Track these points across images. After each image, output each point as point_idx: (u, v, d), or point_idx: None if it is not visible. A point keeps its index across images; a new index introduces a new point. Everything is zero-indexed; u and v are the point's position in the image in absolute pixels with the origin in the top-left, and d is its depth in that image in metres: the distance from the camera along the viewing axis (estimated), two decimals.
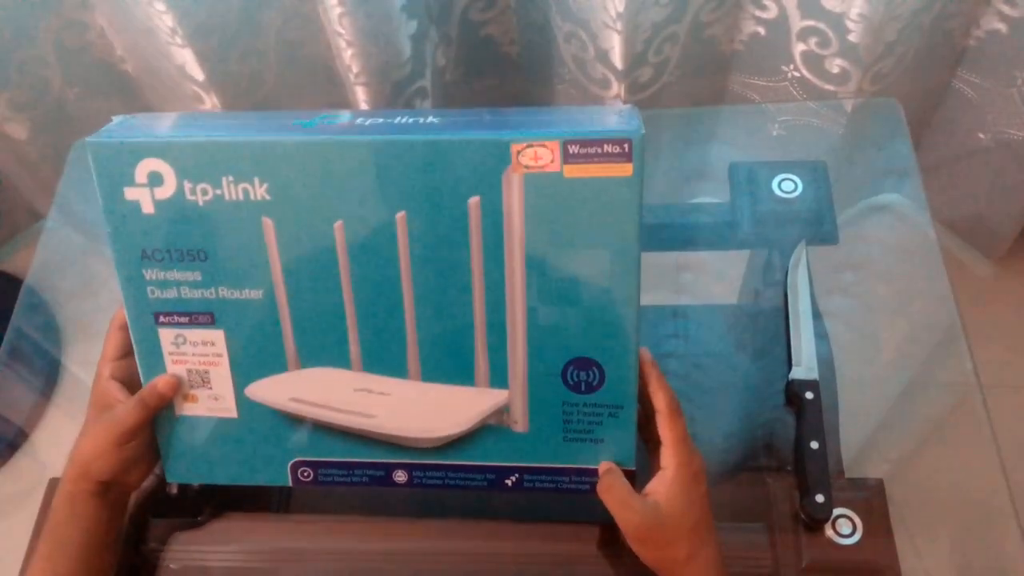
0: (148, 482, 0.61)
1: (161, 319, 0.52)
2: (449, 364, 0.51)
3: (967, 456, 0.61)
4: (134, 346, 0.53)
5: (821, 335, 0.65)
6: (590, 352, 0.50)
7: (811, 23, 0.92)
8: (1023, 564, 0.55)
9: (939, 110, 1.10)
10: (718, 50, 1.03)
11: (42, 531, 0.52)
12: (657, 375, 0.51)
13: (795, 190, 0.73)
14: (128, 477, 0.54)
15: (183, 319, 0.52)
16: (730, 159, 0.76)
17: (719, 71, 1.06)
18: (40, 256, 0.79)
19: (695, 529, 0.49)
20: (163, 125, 0.51)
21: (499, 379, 0.51)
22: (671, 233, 0.74)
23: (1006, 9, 0.95)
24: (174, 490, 0.59)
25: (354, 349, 0.51)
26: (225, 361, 0.53)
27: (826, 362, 0.64)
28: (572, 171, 0.46)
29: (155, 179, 0.48)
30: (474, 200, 0.47)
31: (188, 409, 0.54)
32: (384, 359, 0.52)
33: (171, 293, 0.51)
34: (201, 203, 0.48)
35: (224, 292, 0.51)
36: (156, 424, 0.55)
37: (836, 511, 0.56)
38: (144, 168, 0.48)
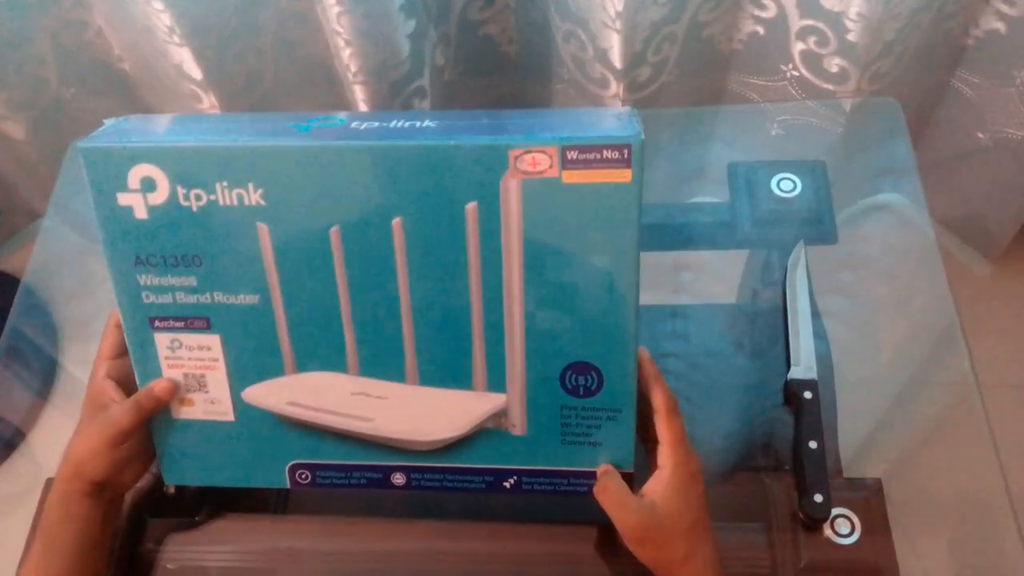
0: (145, 482, 0.60)
1: (156, 324, 0.51)
2: (447, 368, 0.51)
3: (965, 456, 0.61)
4: (129, 351, 0.53)
5: (820, 335, 0.65)
6: (589, 357, 0.50)
7: (810, 22, 0.92)
8: (1021, 563, 0.55)
9: (938, 109, 1.10)
10: (717, 49, 1.03)
11: (36, 530, 0.52)
12: (655, 374, 0.51)
13: (794, 190, 0.72)
14: (122, 477, 0.54)
15: (178, 324, 0.51)
16: (729, 159, 0.76)
17: (718, 70, 1.06)
18: (38, 256, 0.79)
19: (692, 529, 0.49)
20: (156, 128, 0.50)
21: (497, 383, 0.51)
22: (670, 233, 0.74)
23: (1005, 8, 0.94)
24: (171, 490, 0.59)
25: (351, 354, 0.51)
26: (221, 365, 0.52)
27: (825, 362, 0.64)
28: (571, 177, 0.45)
29: (148, 185, 0.47)
30: (471, 206, 0.47)
31: (185, 413, 0.54)
32: (381, 364, 0.51)
33: (166, 298, 0.51)
34: (195, 209, 0.48)
35: (219, 297, 0.50)
36: (153, 427, 0.54)
37: (835, 511, 0.56)
38: (137, 174, 0.47)
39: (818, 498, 0.56)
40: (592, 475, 0.52)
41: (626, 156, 0.45)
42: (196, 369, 0.53)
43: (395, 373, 0.51)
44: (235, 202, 0.47)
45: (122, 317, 0.52)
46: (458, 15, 1.02)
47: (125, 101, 1.11)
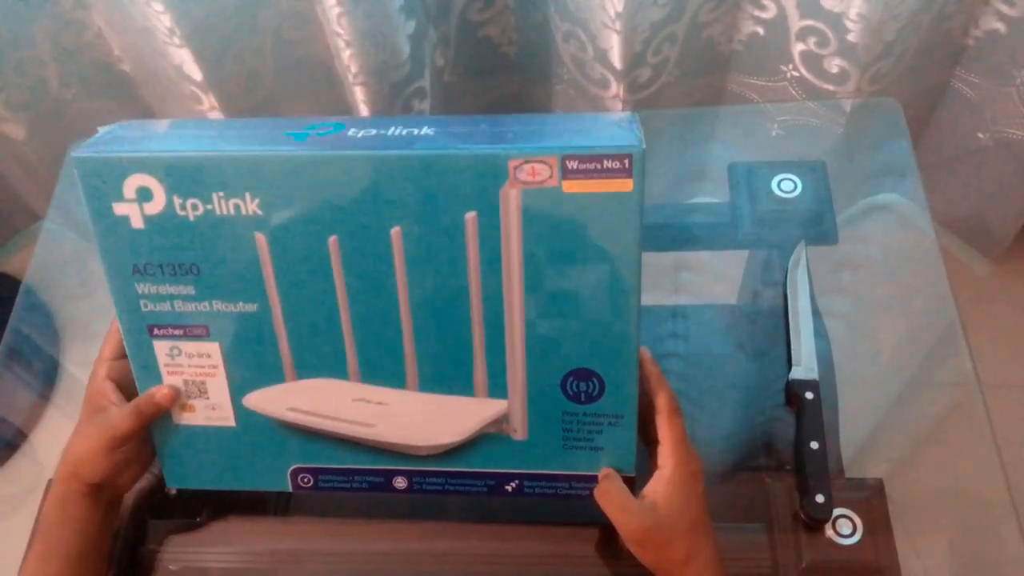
0: (147, 483, 0.60)
1: (155, 332, 0.51)
2: (448, 375, 0.51)
3: (967, 456, 0.61)
4: (129, 358, 0.53)
5: (821, 335, 0.65)
6: (590, 363, 0.50)
7: (810, 23, 0.92)
8: (1023, 563, 0.55)
9: (938, 110, 1.10)
10: (717, 50, 1.03)
11: (35, 531, 0.52)
12: (657, 374, 0.51)
13: (794, 190, 0.73)
14: (120, 479, 0.54)
15: (177, 332, 0.51)
16: (729, 159, 0.76)
17: (718, 71, 1.06)
18: (38, 257, 0.79)
19: (693, 529, 0.49)
20: (152, 136, 0.49)
21: (498, 389, 0.51)
22: (670, 233, 0.74)
23: (1005, 9, 0.95)
24: (173, 491, 0.59)
25: (351, 361, 0.51)
26: (221, 372, 0.52)
27: (826, 362, 0.64)
28: (571, 187, 0.45)
29: (144, 194, 0.47)
30: (471, 215, 0.46)
31: (186, 418, 0.54)
32: (382, 371, 0.51)
33: (164, 307, 0.50)
34: (192, 218, 0.47)
35: (218, 306, 0.50)
36: (154, 431, 0.54)
37: (836, 511, 0.56)
38: (132, 183, 0.47)
39: (820, 498, 0.56)
40: (593, 479, 0.52)
41: (627, 166, 0.44)
42: (196, 376, 0.52)
43: (395, 380, 0.51)
44: (232, 212, 0.47)
45: (120, 325, 0.51)
46: (458, 16, 1.02)
47: (125, 102, 1.11)
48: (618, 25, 0.87)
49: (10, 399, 0.76)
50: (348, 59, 0.92)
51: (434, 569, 0.58)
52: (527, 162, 0.44)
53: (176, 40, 0.89)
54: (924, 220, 0.71)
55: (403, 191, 0.46)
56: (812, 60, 0.96)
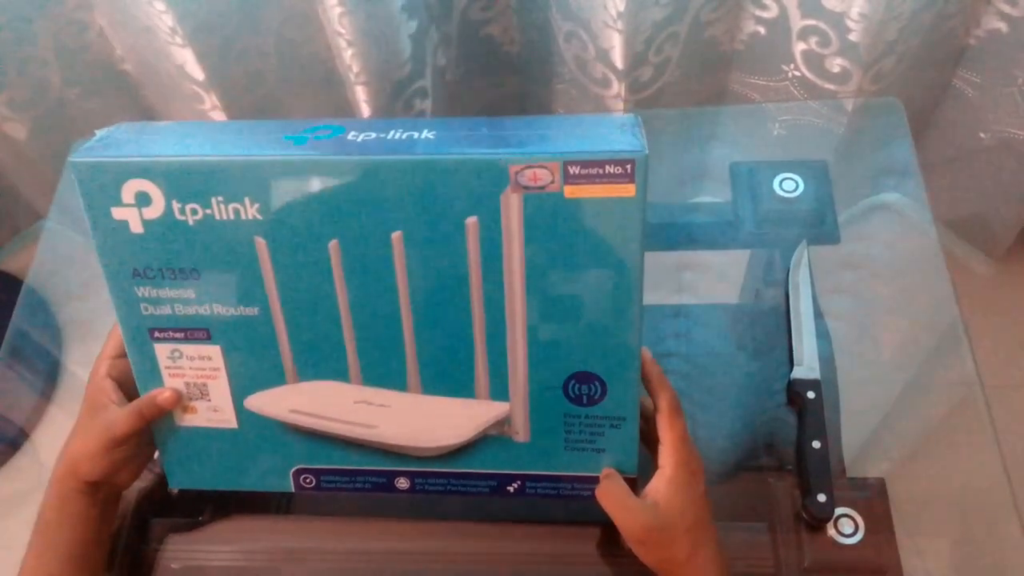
0: (149, 482, 0.61)
1: (156, 335, 0.51)
2: (449, 378, 0.51)
3: (969, 455, 0.61)
4: (130, 361, 0.52)
5: (822, 334, 0.65)
6: (592, 367, 0.50)
7: (811, 22, 0.92)
8: None
9: (940, 109, 1.10)
10: (718, 49, 1.03)
11: (35, 529, 0.52)
12: (658, 374, 0.51)
13: (796, 189, 0.72)
14: (118, 478, 0.54)
15: (178, 335, 0.51)
16: (731, 158, 0.76)
17: (720, 70, 1.06)
18: (40, 256, 0.79)
19: (694, 529, 0.49)
20: (150, 140, 0.49)
21: (500, 392, 0.51)
22: (672, 232, 0.74)
23: (1006, 8, 0.95)
24: (175, 491, 0.59)
25: (353, 364, 0.51)
26: (223, 375, 0.52)
27: (827, 361, 0.64)
28: (573, 192, 0.45)
29: (143, 199, 0.47)
30: (472, 220, 0.46)
31: (188, 420, 0.54)
32: (383, 374, 0.51)
33: (165, 310, 0.50)
34: (191, 223, 0.47)
35: (218, 309, 0.50)
36: (156, 432, 0.54)
37: (838, 511, 0.56)
38: (131, 188, 0.46)
39: (821, 498, 0.56)
40: (595, 480, 0.52)
41: (629, 171, 0.44)
42: (197, 378, 0.52)
43: (397, 382, 0.51)
44: (231, 216, 0.47)
45: (121, 328, 0.51)
46: (459, 15, 1.02)
47: (127, 102, 1.11)
48: (620, 24, 0.87)
49: (12, 398, 0.76)
50: (350, 59, 0.92)
51: (436, 568, 0.58)
52: (528, 167, 0.44)
53: (178, 40, 0.89)
54: (926, 220, 0.71)
55: (404, 196, 0.46)
56: (814, 60, 0.96)
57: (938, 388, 0.65)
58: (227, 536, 0.60)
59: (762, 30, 0.99)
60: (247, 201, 0.46)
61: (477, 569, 0.57)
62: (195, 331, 0.51)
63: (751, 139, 0.83)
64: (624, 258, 0.46)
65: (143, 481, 0.60)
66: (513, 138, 0.47)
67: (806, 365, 0.63)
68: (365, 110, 0.99)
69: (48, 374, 0.76)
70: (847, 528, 0.56)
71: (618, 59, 0.93)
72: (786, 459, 0.60)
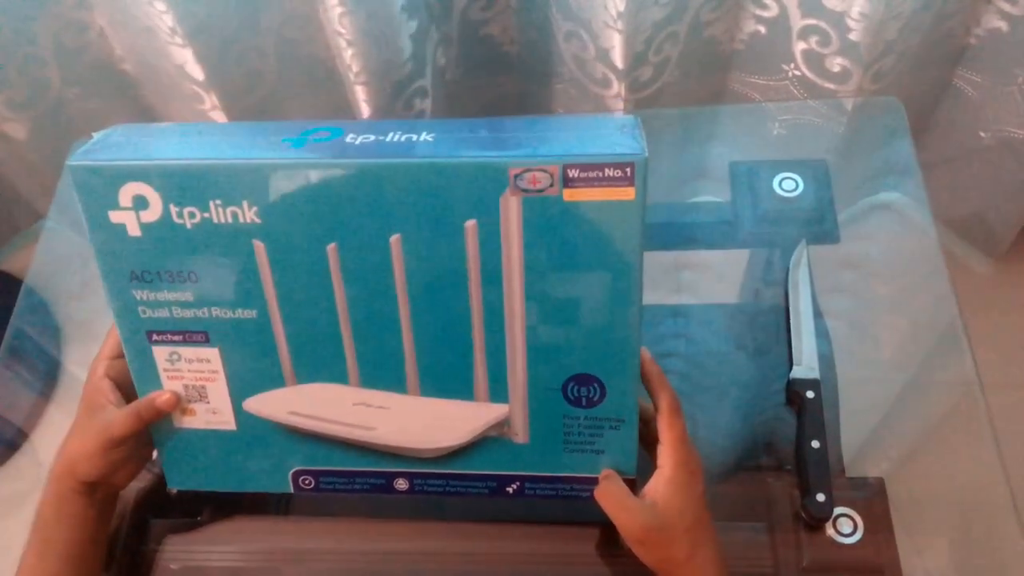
0: (148, 482, 0.61)
1: (154, 337, 0.51)
2: (448, 380, 0.51)
3: (968, 455, 0.61)
4: (128, 363, 0.52)
5: (822, 334, 0.65)
6: (591, 369, 0.50)
7: (812, 22, 0.92)
8: None
9: (940, 109, 1.10)
10: (718, 49, 1.03)
11: (32, 528, 0.52)
12: (657, 374, 0.51)
13: (796, 189, 0.72)
14: (115, 478, 0.54)
15: (176, 337, 0.51)
16: (731, 158, 0.76)
17: (720, 70, 1.06)
18: (40, 256, 0.79)
19: (693, 528, 0.49)
20: (148, 142, 0.49)
21: (499, 394, 0.51)
22: (672, 232, 0.74)
23: (1007, 7, 0.94)
24: (174, 491, 0.59)
25: (351, 366, 0.51)
26: (221, 377, 0.52)
27: (827, 361, 0.64)
28: (572, 195, 0.44)
29: (140, 203, 0.47)
30: (471, 223, 0.46)
31: (187, 422, 0.54)
32: (382, 376, 0.51)
33: (163, 313, 0.50)
34: (189, 226, 0.47)
35: (217, 312, 0.50)
36: (155, 433, 0.54)
37: (837, 510, 0.56)
38: (128, 192, 0.46)
39: (820, 497, 0.56)
40: (594, 481, 0.52)
41: (629, 174, 0.44)
42: (196, 381, 0.52)
43: (396, 385, 0.51)
44: (229, 220, 0.47)
45: (119, 331, 0.51)
46: (459, 15, 1.02)
47: (127, 102, 1.11)
48: (620, 24, 0.87)
49: (11, 398, 0.76)
50: (350, 58, 0.92)
51: (435, 568, 0.58)
52: (528, 170, 0.44)
53: (178, 40, 0.89)
54: (925, 219, 0.71)
55: (402, 199, 0.45)
56: (814, 59, 0.96)
57: (937, 388, 0.65)
58: (226, 536, 0.60)
59: (762, 29, 0.99)
60: (245, 204, 0.46)
61: (477, 569, 0.57)
62: (193, 334, 0.51)
63: (751, 138, 0.83)
64: (623, 261, 0.46)
65: (142, 481, 0.60)
66: (512, 140, 0.46)
67: (805, 365, 0.62)
68: (365, 110, 0.99)
69: (47, 374, 0.76)
70: (846, 528, 0.56)
71: (618, 59, 0.93)
72: (785, 459, 0.60)
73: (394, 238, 0.47)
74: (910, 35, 0.92)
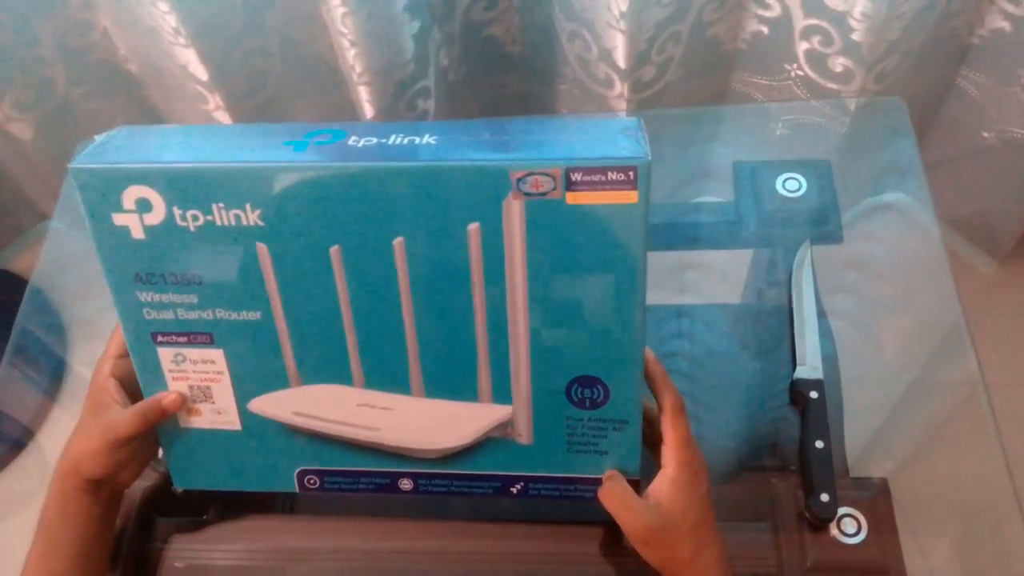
0: (153, 481, 0.61)
1: (159, 339, 0.51)
2: (452, 382, 0.51)
3: (972, 455, 0.61)
4: (133, 364, 0.53)
5: (825, 334, 0.65)
6: (594, 371, 0.50)
7: (814, 22, 0.92)
8: None
9: (943, 109, 1.10)
10: (721, 49, 1.03)
11: (37, 527, 0.53)
12: (661, 374, 0.51)
13: (799, 189, 0.73)
14: (119, 477, 0.54)
15: (181, 339, 0.51)
16: (734, 158, 0.76)
17: (722, 70, 1.06)
18: (45, 256, 0.79)
19: (697, 528, 0.49)
20: (151, 144, 0.49)
21: (503, 395, 0.51)
22: (675, 232, 0.74)
23: (1010, 8, 0.94)
24: (179, 490, 0.59)
25: (355, 368, 0.51)
26: (226, 378, 0.52)
27: (830, 361, 0.64)
28: (575, 198, 0.44)
29: (143, 205, 0.47)
30: (474, 227, 0.46)
31: (192, 422, 0.54)
32: (386, 377, 0.51)
33: (167, 315, 0.50)
34: (192, 229, 0.47)
35: (221, 314, 0.50)
36: (160, 433, 0.55)
37: (841, 510, 0.56)
38: (131, 195, 0.46)
39: (824, 498, 0.56)
40: (598, 481, 0.52)
41: (632, 178, 0.44)
42: (201, 381, 0.52)
43: (400, 386, 0.51)
44: (233, 222, 0.47)
45: (124, 332, 0.51)
46: (462, 16, 1.02)
47: (131, 102, 1.11)
48: (622, 24, 0.88)
49: (17, 398, 0.76)
50: (353, 59, 0.92)
51: (440, 567, 0.58)
52: (530, 174, 0.44)
53: (182, 40, 0.90)
54: (929, 219, 0.71)
55: (405, 202, 0.45)
56: (816, 59, 0.96)
57: (941, 388, 0.65)
58: (231, 535, 0.60)
59: (765, 29, 0.99)
60: (248, 207, 0.46)
61: (481, 569, 0.57)
62: (198, 335, 0.51)
63: (754, 139, 0.83)
64: (627, 264, 0.46)
65: (148, 480, 0.61)
66: (515, 143, 0.46)
67: (809, 365, 0.63)
68: (368, 110, 0.99)
69: (53, 374, 0.76)
70: (850, 528, 0.56)
71: (621, 59, 0.93)
72: (789, 459, 0.60)
73: (397, 241, 0.47)
74: (913, 35, 0.92)
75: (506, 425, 0.52)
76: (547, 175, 0.44)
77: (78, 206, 0.47)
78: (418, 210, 0.46)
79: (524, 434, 0.52)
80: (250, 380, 0.52)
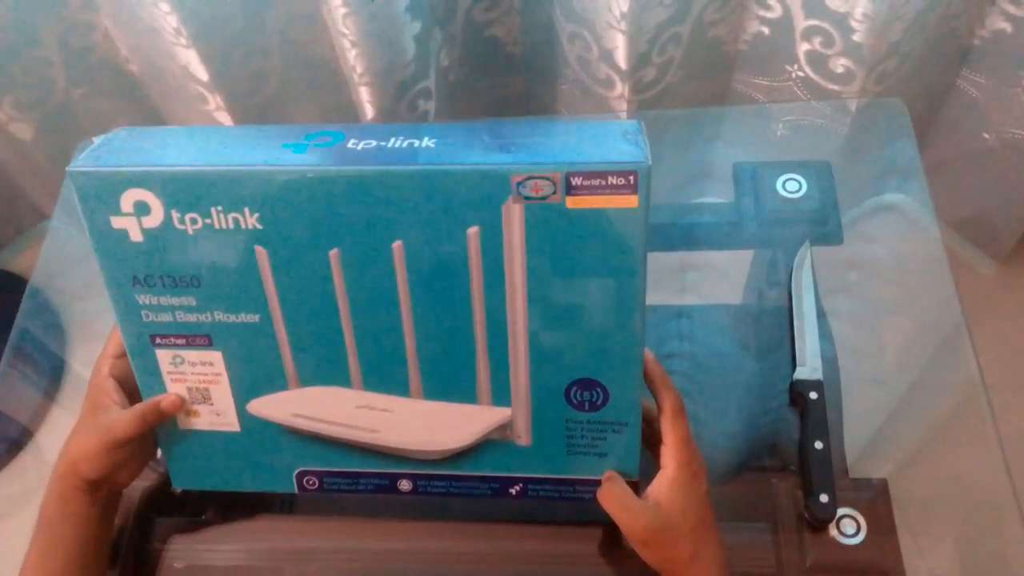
0: (153, 482, 0.61)
1: (158, 341, 0.51)
2: (451, 384, 0.51)
3: (971, 456, 0.61)
4: (132, 366, 0.53)
5: (825, 335, 0.65)
6: (593, 374, 0.50)
7: (815, 23, 0.92)
8: None
9: (943, 110, 1.10)
10: (722, 50, 1.03)
11: (36, 527, 0.53)
12: (660, 374, 0.51)
13: (799, 190, 0.72)
14: (118, 477, 0.54)
15: (180, 341, 0.51)
16: (734, 159, 0.76)
17: (723, 71, 1.06)
18: (45, 256, 0.79)
19: (697, 528, 0.49)
20: (150, 147, 0.49)
21: (502, 398, 0.51)
22: (675, 233, 0.74)
23: (1011, 9, 0.94)
24: (179, 490, 0.59)
25: (354, 370, 0.51)
26: (225, 380, 0.52)
27: (830, 362, 0.64)
28: (575, 202, 0.44)
29: (141, 208, 0.46)
30: (473, 230, 0.46)
31: (191, 423, 0.54)
32: (385, 379, 0.51)
33: (166, 317, 0.50)
34: (191, 232, 0.47)
35: (220, 316, 0.50)
36: (160, 433, 0.55)
37: (840, 511, 0.56)
38: (129, 198, 0.46)
39: (824, 498, 0.56)
40: (597, 483, 0.52)
41: (632, 182, 0.44)
42: (199, 383, 0.52)
43: (399, 388, 0.51)
44: (231, 226, 0.47)
45: (122, 334, 0.51)
46: (463, 16, 1.02)
47: (132, 102, 1.11)
48: (623, 25, 0.88)
49: (16, 398, 0.76)
50: (354, 59, 0.92)
51: (438, 568, 0.58)
52: (530, 178, 0.44)
53: (183, 40, 0.90)
54: (929, 221, 0.71)
55: (404, 206, 0.45)
56: (817, 60, 0.96)
57: (941, 389, 0.65)
58: (230, 535, 0.60)
59: (766, 30, 0.99)
60: (246, 211, 0.46)
61: (480, 570, 0.57)
62: (196, 337, 0.51)
63: (754, 139, 0.83)
64: (627, 268, 0.46)
65: (147, 481, 0.61)
66: (515, 146, 0.46)
67: (809, 366, 0.63)
68: (369, 111, 0.99)
69: (52, 374, 0.76)
70: (849, 529, 0.56)
71: (621, 60, 0.93)
72: (788, 459, 0.60)
73: (396, 244, 0.47)
74: (914, 36, 0.92)
75: (505, 427, 0.52)
76: (547, 179, 0.44)
77: (77, 207, 0.47)
78: (418, 213, 0.46)
79: (523, 436, 0.52)
80: (249, 382, 0.52)
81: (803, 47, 0.96)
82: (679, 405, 0.50)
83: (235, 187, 0.46)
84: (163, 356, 0.52)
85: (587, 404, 0.50)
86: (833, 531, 0.56)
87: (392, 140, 0.47)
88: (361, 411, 0.52)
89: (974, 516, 0.60)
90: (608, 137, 0.47)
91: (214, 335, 0.51)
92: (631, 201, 0.44)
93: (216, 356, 0.51)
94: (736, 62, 1.05)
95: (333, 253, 0.47)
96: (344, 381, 0.51)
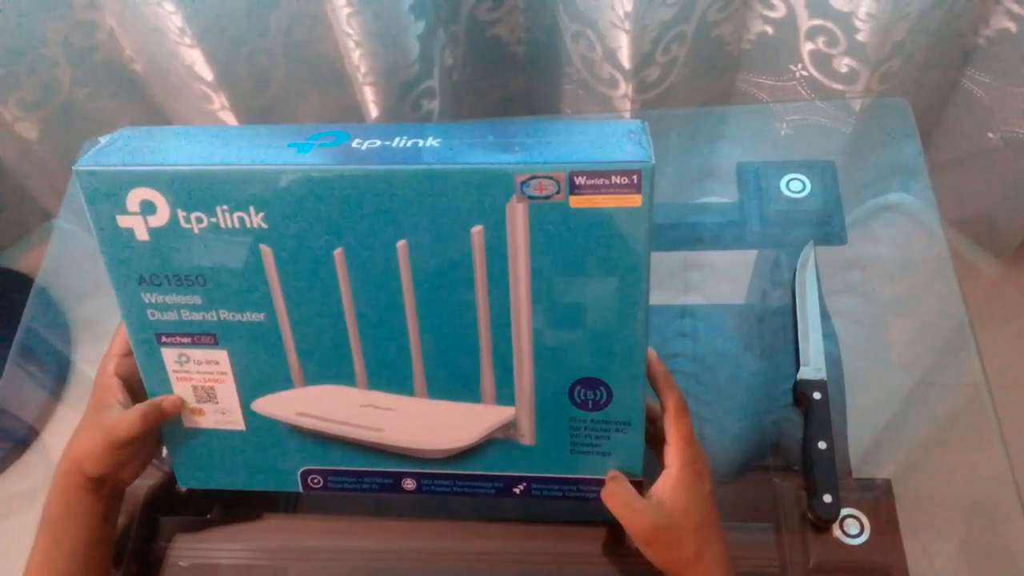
0: (158, 480, 0.61)
1: (163, 339, 0.51)
2: (455, 383, 0.51)
3: (975, 456, 0.61)
4: (138, 364, 0.53)
5: (829, 335, 0.65)
6: (597, 373, 0.50)
7: (819, 22, 0.92)
8: None
9: (948, 109, 1.10)
10: (726, 49, 1.03)
11: (40, 525, 0.53)
12: (664, 373, 0.51)
13: (803, 190, 0.72)
14: (121, 475, 0.54)
15: (185, 340, 0.51)
16: (738, 159, 0.76)
17: (727, 70, 1.06)
18: (50, 255, 0.79)
19: (701, 528, 0.49)
20: (156, 146, 0.49)
21: (506, 397, 0.51)
22: (679, 232, 0.74)
23: (1015, 8, 0.94)
24: (184, 489, 0.59)
25: (359, 369, 0.51)
26: (230, 379, 0.52)
27: (834, 362, 0.64)
28: (578, 202, 0.44)
29: (147, 208, 0.47)
30: (477, 229, 0.46)
31: (196, 422, 0.54)
32: (389, 379, 0.51)
33: (171, 316, 0.50)
34: (196, 231, 0.47)
35: (225, 315, 0.50)
36: (165, 432, 0.55)
37: (844, 511, 0.56)
38: (135, 197, 0.46)
39: (827, 498, 0.56)
40: (601, 482, 0.52)
41: (636, 181, 0.44)
42: (205, 382, 0.53)
43: (403, 388, 0.51)
44: (237, 225, 0.47)
45: (128, 333, 0.52)
46: (467, 16, 1.02)
47: (136, 101, 1.11)
48: (627, 25, 0.88)
49: (22, 396, 0.76)
50: (358, 59, 0.92)
51: (442, 566, 0.58)
52: (534, 177, 0.44)
53: (187, 40, 0.90)
54: (933, 220, 0.71)
55: (409, 205, 0.46)
56: (821, 59, 0.96)
57: (945, 388, 0.65)
58: (235, 534, 0.60)
59: (769, 30, 0.99)
60: (252, 210, 0.46)
61: (484, 568, 0.58)
62: (202, 336, 0.51)
63: (758, 139, 0.83)
64: (630, 267, 0.46)
65: (152, 479, 0.61)
66: (519, 146, 0.46)
67: (812, 366, 0.63)
68: (373, 110, 0.99)
69: (58, 373, 0.76)
70: (853, 529, 0.56)
71: (625, 59, 0.93)
72: (792, 459, 0.60)
73: (400, 243, 0.47)
74: (918, 36, 0.92)
75: (509, 426, 0.52)
76: (551, 179, 0.44)
77: (83, 206, 0.47)
78: (422, 213, 0.46)
79: (527, 435, 0.52)
80: (254, 380, 0.52)
81: (807, 47, 0.96)
82: (682, 404, 0.50)
83: (241, 186, 0.46)
84: (168, 355, 0.52)
85: (591, 403, 0.51)
86: (837, 531, 0.56)
87: (396, 140, 0.47)
88: (366, 410, 0.52)
89: (978, 516, 0.60)
90: (612, 137, 0.47)
91: (219, 334, 0.51)
92: (635, 200, 0.44)
93: (221, 355, 0.52)
94: (740, 62, 1.05)
95: (338, 252, 0.47)
96: (349, 380, 0.52)
